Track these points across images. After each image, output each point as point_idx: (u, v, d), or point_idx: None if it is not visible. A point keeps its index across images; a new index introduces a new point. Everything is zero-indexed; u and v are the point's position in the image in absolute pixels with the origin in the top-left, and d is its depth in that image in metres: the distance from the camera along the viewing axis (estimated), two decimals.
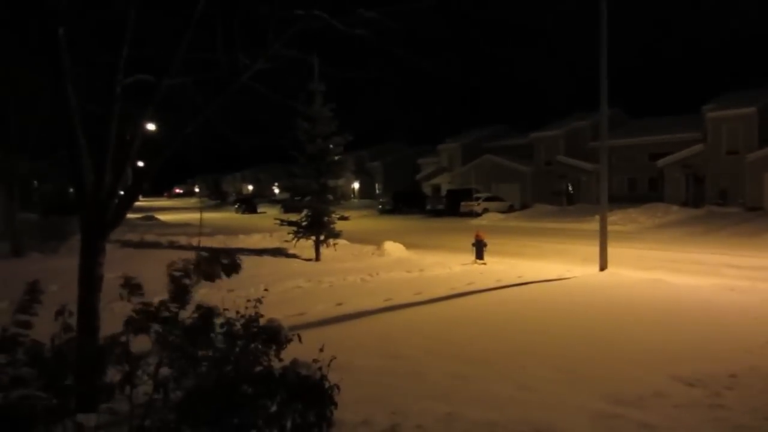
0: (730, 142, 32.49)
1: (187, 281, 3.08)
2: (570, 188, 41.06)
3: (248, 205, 52.48)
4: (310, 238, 15.61)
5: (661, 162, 34.83)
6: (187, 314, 3.10)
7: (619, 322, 7.66)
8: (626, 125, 42.04)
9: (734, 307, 8.47)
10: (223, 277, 3.17)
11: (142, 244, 18.88)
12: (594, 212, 24.96)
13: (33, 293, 2.72)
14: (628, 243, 19.03)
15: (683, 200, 33.05)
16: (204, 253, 3.22)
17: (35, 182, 27.09)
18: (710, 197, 32.27)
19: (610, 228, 13.55)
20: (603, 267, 12.53)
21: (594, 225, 18.98)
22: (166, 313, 2.97)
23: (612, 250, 13.00)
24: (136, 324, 2.92)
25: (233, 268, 3.06)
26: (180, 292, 3.04)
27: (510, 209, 37.78)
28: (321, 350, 3.10)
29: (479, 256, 14.39)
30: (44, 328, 2.99)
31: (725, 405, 4.59)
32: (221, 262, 3.10)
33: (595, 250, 12.85)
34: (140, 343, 3.07)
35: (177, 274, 2.97)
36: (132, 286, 2.86)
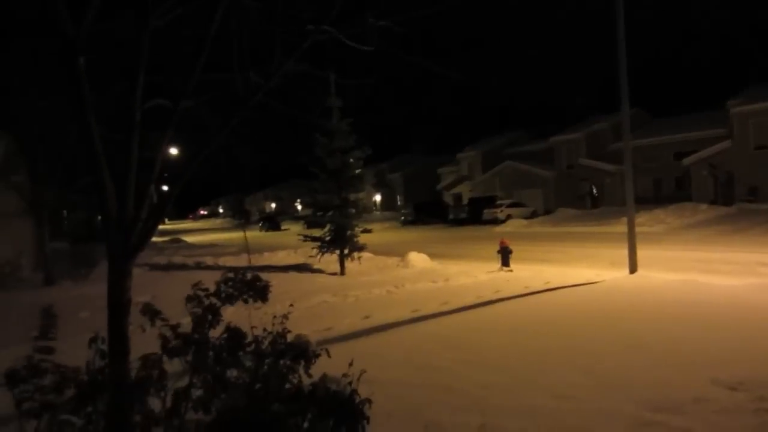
0: (758, 137, 31.71)
1: (216, 302, 3.09)
2: (594, 191, 40.51)
3: (272, 222, 52.97)
4: (334, 253, 15.65)
5: (686, 161, 34.18)
6: (215, 335, 3.10)
7: (653, 324, 7.46)
8: (649, 125, 41.46)
9: None
10: (255, 300, 3.18)
11: (169, 267, 19.14)
12: (619, 214, 24.59)
13: (48, 318, 2.74)
14: (656, 245, 18.64)
15: (711, 199, 32.32)
16: (231, 275, 3.22)
17: (64, 211, 27.74)
18: (740, 195, 31.47)
19: (637, 230, 13.29)
20: (633, 270, 12.27)
21: (620, 227, 18.67)
22: (196, 336, 2.98)
23: (641, 253, 12.73)
24: (171, 349, 2.92)
25: (262, 293, 3.07)
26: (210, 314, 3.04)
27: (533, 215, 37.44)
28: (350, 365, 3.07)
29: (505, 263, 14.23)
30: (75, 354, 3.02)
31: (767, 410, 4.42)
32: (251, 289, 3.11)
33: (623, 253, 12.60)
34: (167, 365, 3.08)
35: (201, 293, 2.98)
36: (151, 312, 2.88)
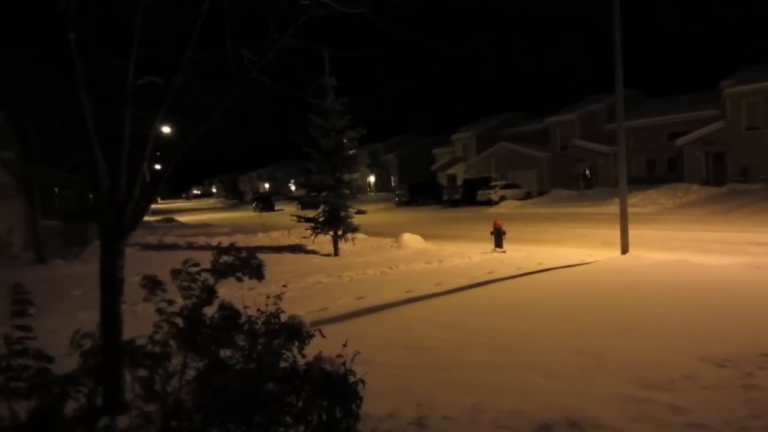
0: (750, 118, 31.78)
1: (209, 279, 3.07)
2: (587, 172, 40.58)
3: (265, 203, 52.74)
4: (328, 234, 15.64)
5: (680, 141, 34.23)
6: (208, 312, 3.09)
7: (644, 304, 7.54)
8: (643, 105, 41.36)
9: (761, 285, 8.29)
10: (250, 278, 3.16)
11: (162, 246, 19.10)
12: (612, 195, 24.69)
13: (18, 294, 2.68)
14: (649, 225, 18.75)
15: (704, 179, 32.47)
16: (225, 256, 3.20)
17: (56, 189, 27.50)
18: (731, 175, 31.64)
19: (630, 210, 13.36)
20: (625, 250, 12.35)
21: (613, 208, 18.74)
22: (195, 315, 2.97)
23: (633, 233, 12.80)
24: (179, 330, 2.90)
25: (257, 272, 3.05)
26: (206, 292, 3.03)
27: (527, 196, 37.50)
28: (345, 345, 3.08)
29: (498, 244, 14.28)
30: (65, 335, 3.00)
31: (758, 385, 4.48)
32: (246, 267, 3.08)
33: (616, 233, 12.67)
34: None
35: (193, 269, 2.96)
36: (153, 283, 2.86)
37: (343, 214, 15.52)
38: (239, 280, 3.06)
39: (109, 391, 2.98)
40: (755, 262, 10.19)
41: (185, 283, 2.94)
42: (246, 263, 3.00)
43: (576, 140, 41.03)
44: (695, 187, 29.48)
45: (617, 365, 5.14)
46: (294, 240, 19.06)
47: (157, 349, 2.77)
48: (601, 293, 8.44)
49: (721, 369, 4.89)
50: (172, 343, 2.84)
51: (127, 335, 3.09)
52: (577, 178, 40.22)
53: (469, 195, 38.26)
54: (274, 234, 21.48)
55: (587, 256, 12.35)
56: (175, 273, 3.08)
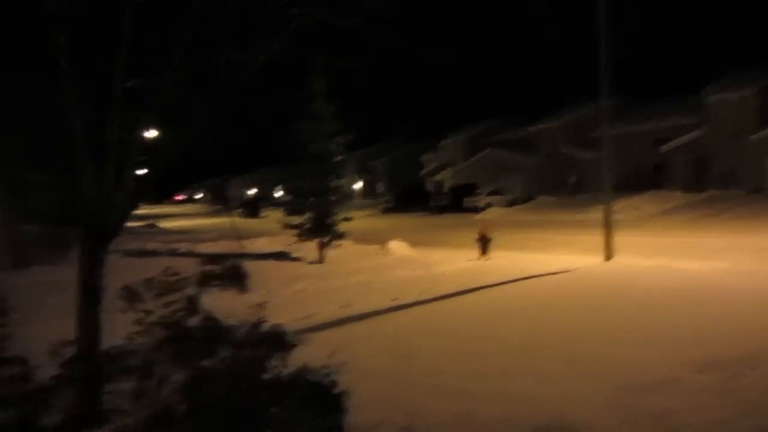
0: (731, 125, 32.28)
1: (193, 289, 3.02)
2: (574, 179, 40.91)
3: (251, 209, 52.28)
4: (314, 240, 15.55)
5: (663, 148, 34.65)
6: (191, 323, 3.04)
7: (628, 310, 7.59)
8: (628, 112, 41.71)
9: (740, 289, 8.42)
10: (235, 288, 3.11)
11: (144, 253, 18.82)
12: (597, 202, 24.82)
13: None
14: (632, 231, 18.92)
15: (686, 185, 32.88)
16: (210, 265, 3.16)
17: (36, 193, 27.03)
18: (713, 181, 32.11)
19: (614, 217, 13.50)
20: (608, 257, 12.45)
21: (598, 214, 18.84)
22: (181, 326, 2.91)
23: (617, 239, 12.92)
24: (164, 340, 2.85)
25: (241, 282, 3.00)
26: (190, 302, 2.98)
27: (513, 202, 37.70)
28: (330, 355, 3.04)
29: (484, 251, 14.32)
30: (43, 343, 2.93)
31: (739, 387, 4.55)
32: (230, 277, 3.04)
33: (600, 239, 12.78)
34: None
35: (173, 278, 2.91)
36: (131, 294, 2.80)
37: (329, 220, 15.44)
38: (225, 289, 3.01)
39: (88, 401, 2.91)
40: (734, 268, 10.34)
41: (164, 293, 2.89)
42: (231, 273, 2.95)
43: (562, 147, 41.37)
44: (677, 193, 29.89)
45: (603, 370, 5.16)
46: (279, 247, 18.91)
47: (139, 359, 2.71)
48: (586, 299, 8.49)
49: (703, 373, 4.94)
50: (153, 353, 2.79)
51: (105, 344, 3.02)
52: (563, 185, 40.54)
53: (456, 201, 38.37)
54: (259, 240, 21.30)
55: (572, 263, 12.42)
56: (150, 281, 3.02)
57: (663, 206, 27.15)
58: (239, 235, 19.89)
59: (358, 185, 63.07)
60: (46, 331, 2.95)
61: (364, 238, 19.15)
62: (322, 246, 15.38)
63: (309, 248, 15.89)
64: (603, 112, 13.22)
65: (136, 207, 4.44)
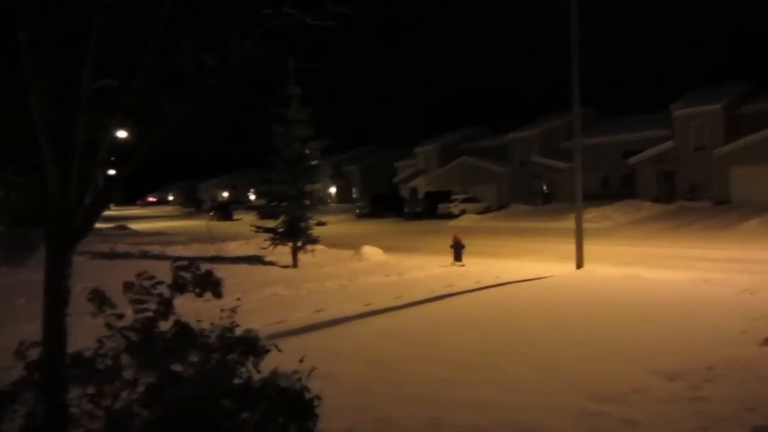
0: (698, 139, 33.23)
1: (166, 293, 2.97)
2: (545, 188, 41.51)
3: (224, 212, 51.72)
4: (287, 245, 15.44)
5: (632, 159, 35.44)
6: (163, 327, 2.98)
7: (598, 319, 7.70)
8: (599, 124, 42.66)
9: (709, 299, 8.60)
10: (209, 293, 3.07)
11: (113, 255, 18.45)
12: (569, 210, 25.28)
13: None
14: (603, 240, 19.26)
15: (655, 196, 33.65)
16: (183, 265, 3.11)
17: (2, 192, 26.31)
18: (681, 193, 32.94)
19: (585, 226, 13.70)
20: (580, 265, 12.64)
21: (569, 223, 19.19)
22: (152, 331, 2.86)
23: (588, 248, 13.12)
24: (133, 345, 2.78)
25: (216, 288, 2.96)
26: (162, 306, 2.93)
27: (487, 210, 38.03)
28: (301, 360, 3.02)
29: (458, 257, 14.40)
30: (6, 345, 2.85)
31: (705, 397, 4.62)
32: (205, 283, 3.00)
33: (572, 248, 12.96)
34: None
35: (148, 282, 2.85)
36: (100, 298, 2.74)
37: (303, 225, 15.36)
38: (199, 295, 2.96)
39: (52, 406, 2.83)
40: (703, 277, 10.59)
41: (138, 296, 2.83)
42: (205, 280, 2.91)
43: (535, 156, 41.97)
44: (647, 204, 30.55)
45: (572, 378, 5.22)
46: (252, 250, 18.74)
47: (107, 362, 2.65)
48: (556, 307, 8.59)
49: (671, 382, 5.02)
50: (122, 357, 2.72)
51: (72, 348, 2.94)
52: (535, 193, 41.09)
53: (431, 208, 38.55)
54: (232, 244, 21.08)
55: (544, 271, 12.57)
56: (129, 286, 2.96)
57: (633, 216, 27.71)
58: (214, 239, 19.66)
59: (333, 190, 62.93)
60: (17, 333, 2.86)
61: (338, 243, 19.10)
62: (296, 250, 15.29)
63: (283, 252, 15.77)
64: (574, 124, 13.43)
65: (105, 208, 4.34)
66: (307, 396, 2.80)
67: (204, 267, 3.19)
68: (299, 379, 2.87)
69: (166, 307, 2.94)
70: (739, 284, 9.60)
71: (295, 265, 15.11)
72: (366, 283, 11.86)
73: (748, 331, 6.57)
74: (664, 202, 31.75)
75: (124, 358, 2.91)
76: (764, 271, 11.06)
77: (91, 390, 2.77)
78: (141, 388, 2.73)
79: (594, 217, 26.51)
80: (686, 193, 32.61)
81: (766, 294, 8.65)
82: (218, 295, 2.97)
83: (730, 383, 4.92)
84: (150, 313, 2.95)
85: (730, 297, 8.69)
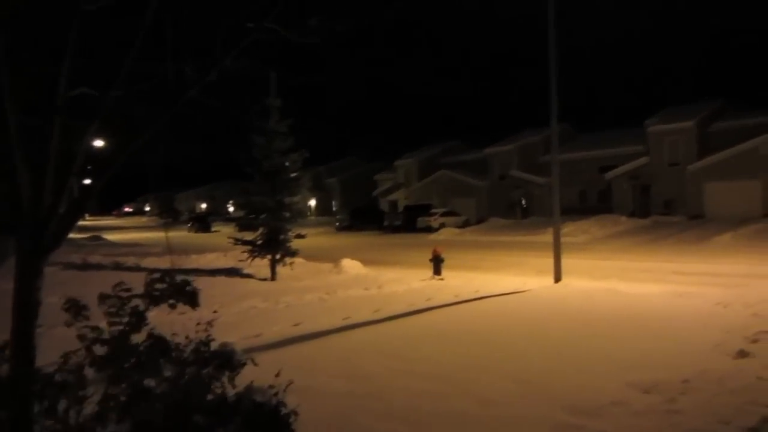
0: (672, 155, 33.96)
1: (140, 304, 2.91)
2: (523, 201, 41.94)
3: (201, 223, 51.18)
4: (265, 257, 15.31)
5: (609, 174, 36.03)
6: (136, 339, 2.92)
7: (575, 332, 7.76)
8: (576, 139, 43.37)
9: (684, 312, 8.72)
10: (184, 305, 3.01)
11: (86, 266, 18.08)
12: (547, 224, 25.58)
13: None
14: (580, 254, 19.48)
15: (631, 211, 34.22)
16: (157, 276, 3.05)
17: None
18: (656, 207, 33.56)
19: (563, 239, 13.84)
20: (558, 278, 12.74)
21: (547, 237, 19.39)
22: (123, 343, 2.79)
23: (566, 261, 13.25)
24: (99, 358, 2.71)
25: (192, 298, 2.90)
26: (135, 318, 2.86)
27: (466, 224, 38.23)
28: (278, 375, 2.97)
29: (437, 271, 14.42)
30: None
31: (681, 410, 4.67)
32: (180, 293, 2.94)
33: (550, 261, 13.07)
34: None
35: (124, 294, 2.79)
36: (76, 308, 2.67)
37: (282, 237, 15.25)
38: (173, 307, 2.90)
39: (15, 423, 2.73)
40: (677, 291, 10.75)
41: (113, 309, 2.77)
42: (180, 290, 2.85)
43: (514, 170, 42.43)
44: (623, 218, 31.05)
45: (549, 391, 5.23)
46: (230, 263, 18.55)
47: (70, 377, 2.57)
48: (534, 321, 8.63)
49: (647, 395, 5.07)
50: (88, 371, 2.65)
51: (41, 362, 2.86)
52: (514, 207, 41.48)
53: (410, 221, 38.63)
54: (210, 256, 20.84)
55: (522, 284, 12.65)
56: (104, 298, 2.89)
57: (610, 230, 28.11)
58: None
59: (312, 202, 62.76)
60: None
61: (317, 255, 18.99)
62: (275, 263, 15.16)
63: (261, 265, 15.63)
64: (552, 139, 13.62)
65: (79, 218, 4.26)
66: (284, 411, 2.75)
67: (180, 278, 3.14)
68: (276, 394, 2.82)
69: (138, 320, 2.87)
70: (713, 297, 9.76)
71: (273, 277, 14.98)
72: (345, 296, 11.79)
73: (722, 344, 6.68)
74: (640, 217, 32.31)
75: (95, 372, 2.83)
76: (737, 284, 11.27)
77: (56, 405, 2.68)
78: (108, 404, 2.66)
79: (572, 231, 26.82)
80: (661, 208, 33.24)
81: (739, 307, 8.80)
82: (194, 304, 2.92)
83: (704, 396, 4.98)
84: (124, 326, 2.88)
85: (704, 310, 8.83)
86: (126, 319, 2.89)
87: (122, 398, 2.66)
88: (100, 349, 2.86)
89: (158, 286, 3.00)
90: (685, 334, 7.34)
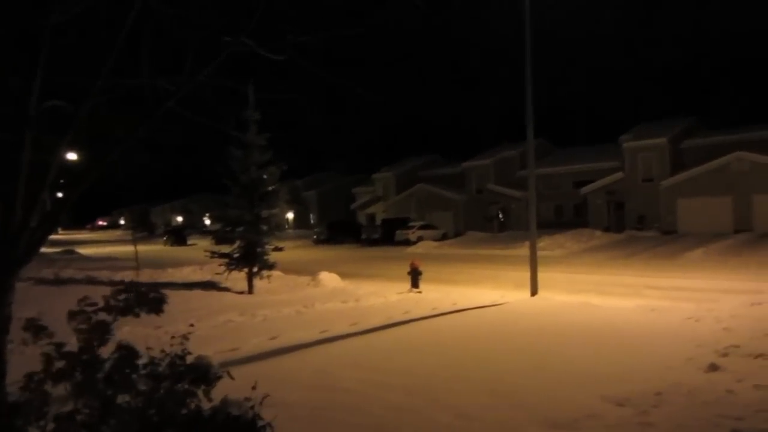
0: (646, 170, 34.67)
1: (106, 317, 2.86)
2: (500, 215, 42.33)
3: (177, 236, 50.56)
4: (242, 270, 15.17)
5: (584, 189, 36.61)
6: (106, 354, 2.87)
7: (551, 345, 7.83)
8: (552, 154, 44.03)
9: (657, 326, 8.87)
10: (148, 313, 2.96)
11: (58, 281, 17.69)
12: (524, 238, 25.81)
13: None
14: (556, 267, 19.69)
15: (606, 225, 34.77)
16: (122, 287, 3.01)
17: None
18: (630, 222, 34.14)
19: (539, 253, 13.99)
20: (534, 292, 12.86)
21: (524, 250, 19.56)
22: (86, 356, 2.74)
23: (542, 275, 13.39)
24: (57, 371, 2.65)
25: (155, 305, 2.86)
26: (99, 330, 2.81)
27: (443, 237, 38.40)
28: (254, 388, 2.95)
29: (415, 284, 14.45)
30: None
31: (653, 423, 4.74)
32: (145, 298, 2.90)
33: (526, 275, 13.19)
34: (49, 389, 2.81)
35: (90, 309, 2.74)
36: (35, 328, 2.62)
37: (259, 250, 15.14)
38: (136, 315, 2.85)
39: None
40: (651, 305, 10.93)
41: (83, 326, 2.72)
42: (143, 298, 2.81)
43: (491, 184, 42.86)
44: (598, 233, 31.52)
45: (526, 404, 5.27)
46: (206, 276, 18.34)
47: (32, 395, 2.51)
48: (511, 334, 8.69)
49: (621, 408, 5.13)
50: (50, 388, 2.59)
51: (15, 377, 2.80)
52: (491, 221, 41.83)
53: (388, 234, 38.67)
54: (186, 269, 20.58)
55: (499, 297, 12.74)
56: (73, 314, 2.84)
57: (586, 244, 28.49)
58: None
59: (290, 215, 62.45)
60: None
61: (295, 269, 18.88)
62: (252, 276, 15.04)
63: (238, 278, 15.48)
64: (529, 153, 13.83)
65: (52, 232, 4.19)
66: (260, 424, 2.73)
67: (144, 287, 3.10)
68: (252, 407, 2.80)
69: (102, 332, 2.82)
70: (685, 312, 9.93)
71: (250, 291, 14.85)
72: (322, 309, 11.74)
73: (694, 358, 6.79)
74: (615, 231, 32.84)
75: (62, 388, 2.78)
76: (708, 299, 11.50)
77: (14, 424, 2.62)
78: (80, 417, 2.60)
79: (548, 245, 27.12)
80: (635, 223, 33.83)
81: (710, 322, 8.97)
82: (158, 311, 2.87)
83: (676, 408, 5.07)
84: (87, 338, 2.83)
85: (676, 324, 8.98)
86: (93, 334, 2.84)
87: (91, 414, 2.61)
88: (66, 365, 2.81)
89: (121, 297, 2.95)
90: (658, 348, 7.46)
